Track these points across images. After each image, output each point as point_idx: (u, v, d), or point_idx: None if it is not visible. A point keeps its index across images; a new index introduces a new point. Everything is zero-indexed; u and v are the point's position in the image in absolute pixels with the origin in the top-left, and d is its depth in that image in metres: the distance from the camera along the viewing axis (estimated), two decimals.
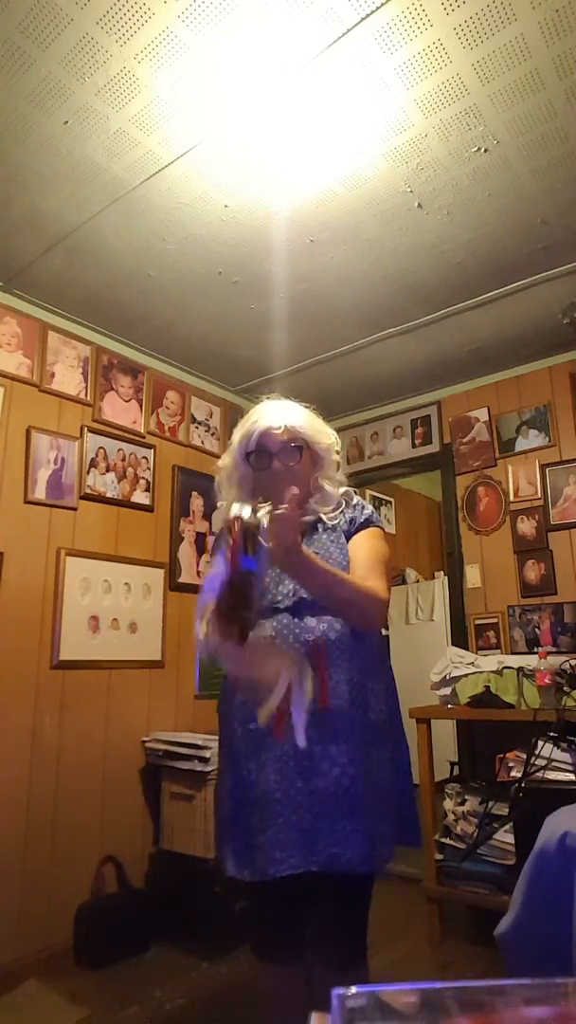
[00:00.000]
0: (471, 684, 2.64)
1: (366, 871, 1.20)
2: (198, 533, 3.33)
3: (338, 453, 1.51)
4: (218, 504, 1.57)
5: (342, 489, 1.49)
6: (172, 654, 3.09)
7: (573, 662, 2.48)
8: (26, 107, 1.84)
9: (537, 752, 2.21)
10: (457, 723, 3.53)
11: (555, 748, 2.20)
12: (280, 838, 1.21)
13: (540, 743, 2.23)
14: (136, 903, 2.61)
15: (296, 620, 1.32)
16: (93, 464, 2.91)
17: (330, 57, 1.69)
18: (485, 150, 2.02)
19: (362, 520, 1.44)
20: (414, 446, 3.80)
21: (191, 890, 2.57)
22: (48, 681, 2.59)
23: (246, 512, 1.12)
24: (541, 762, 2.18)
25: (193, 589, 3.27)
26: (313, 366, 3.40)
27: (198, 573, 3.30)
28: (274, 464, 1.40)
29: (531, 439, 3.31)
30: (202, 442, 3.51)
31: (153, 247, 2.45)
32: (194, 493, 3.35)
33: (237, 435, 1.46)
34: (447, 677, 2.78)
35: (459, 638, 3.40)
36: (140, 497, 3.09)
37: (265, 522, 1.11)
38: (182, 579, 3.21)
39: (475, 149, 2.02)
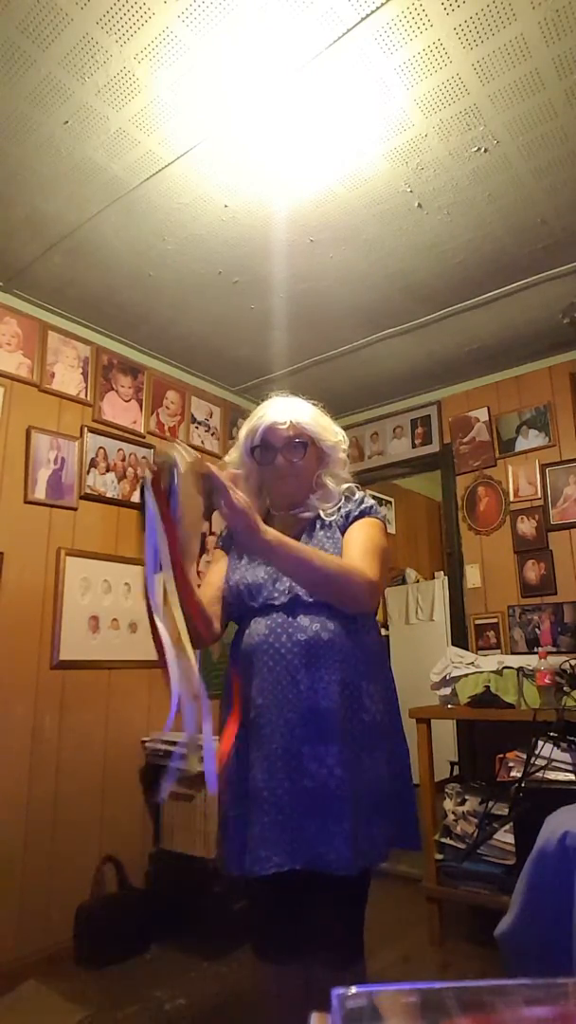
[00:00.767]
0: (471, 684, 2.64)
1: (349, 873, 1.19)
2: None
3: (345, 451, 1.50)
4: None
5: (344, 485, 1.47)
6: None
7: (573, 662, 2.48)
8: (26, 107, 1.84)
9: (537, 752, 2.21)
10: (457, 723, 3.53)
11: (555, 748, 2.20)
12: (266, 836, 1.21)
13: (540, 743, 2.23)
14: (136, 903, 2.61)
15: (290, 619, 1.31)
16: (93, 464, 2.91)
17: (330, 57, 1.69)
18: (485, 150, 2.02)
19: (357, 513, 1.42)
20: (414, 446, 3.80)
21: (191, 890, 2.57)
22: (48, 681, 2.59)
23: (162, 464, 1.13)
24: (541, 762, 2.18)
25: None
26: (313, 366, 3.40)
27: (198, 573, 3.30)
28: (278, 459, 1.40)
29: (531, 439, 3.31)
30: (202, 442, 3.51)
31: (153, 247, 2.45)
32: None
33: (243, 430, 1.46)
34: (447, 677, 2.78)
35: (459, 638, 3.40)
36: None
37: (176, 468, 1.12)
38: None
39: (475, 149, 2.02)
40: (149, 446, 3.18)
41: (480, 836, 2.42)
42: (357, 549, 1.34)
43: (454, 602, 3.51)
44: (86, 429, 2.91)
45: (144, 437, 3.18)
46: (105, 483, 2.94)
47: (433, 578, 5.62)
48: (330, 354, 3.29)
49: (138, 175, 2.09)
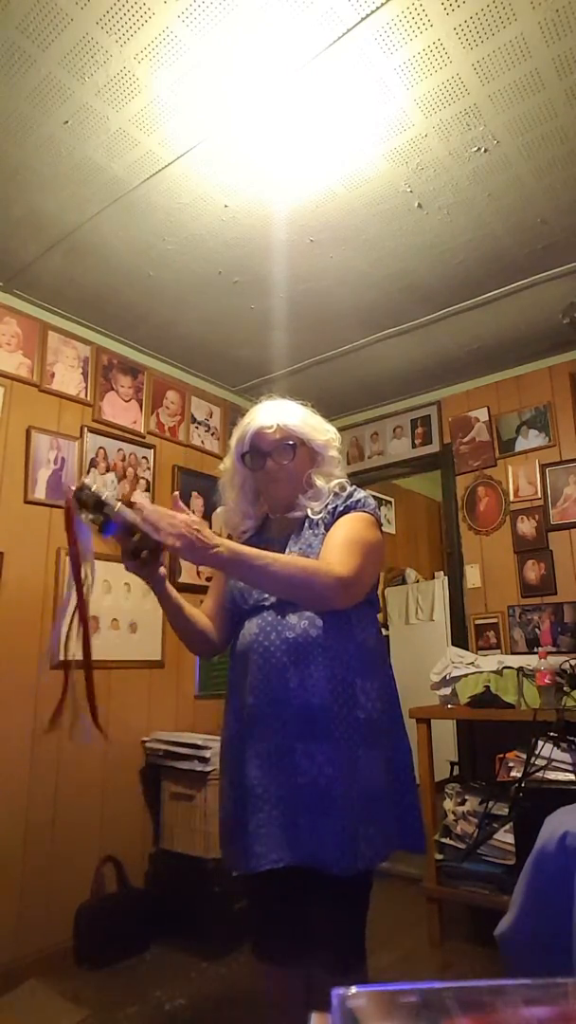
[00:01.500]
0: (471, 684, 2.64)
1: (344, 872, 1.18)
2: None
3: (338, 448, 1.49)
4: (219, 507, 1.57)
5: (334, 482, 1.44)
6: (172, 654, 3.09)
7: (573, 662, 2.48)
8: (26, 107, 1.84)
9: (537, 752, 2.21)
10: (457, 723, 3.53)
11: (555, 748, 2.20)
12: (261, 833, 1.21)
13: (540, 743, 2.23)
14: (136, 903, 2.61)
15: (279, 618, 1.32)
16: (93, 464, 2.91)
17: (330, 57, 1.69)
18: (485, 150, 2.02)
19: (343, 508, 1.38)
20: (414, 446, 3.80)
21: (191, 890, 2.57)
22: (48, 681, 2.59)
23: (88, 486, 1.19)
24: (541, 762, 2.18)
25: (193, 589, 3.26)
26: (313, 366, 3.40)
27: (198, 573, 3.30)
28: (267, 463, 1.40)
29: (531, 439, 3.31)
30: (202, 442, 3.51)
31: (153, 247, 2.45)
32: (194, 493, 3.35)
33: (233, 437, 1.47)
34: (447, 677, 2.78)
35: (459, 638, 3.40)
36: (140, 497, 3.09)
37: (104, 492, 1.18)
38: (182, 579, 3.21)
39: (475, 149, 2.02)
40: (149, 446, 3.18)
41: (480, 836, 2.42)
42: (333, 545, 1.31)
43: (454, 602, 3.51)
44: (86, 429, 2.91)
45: (144, 437, 3.18)
46: (105, 483, 2.94)
47: (433, 578, 5.62)
48: (330, 354, 3.29)
49: (138, 175, 2.09)
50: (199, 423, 3.53)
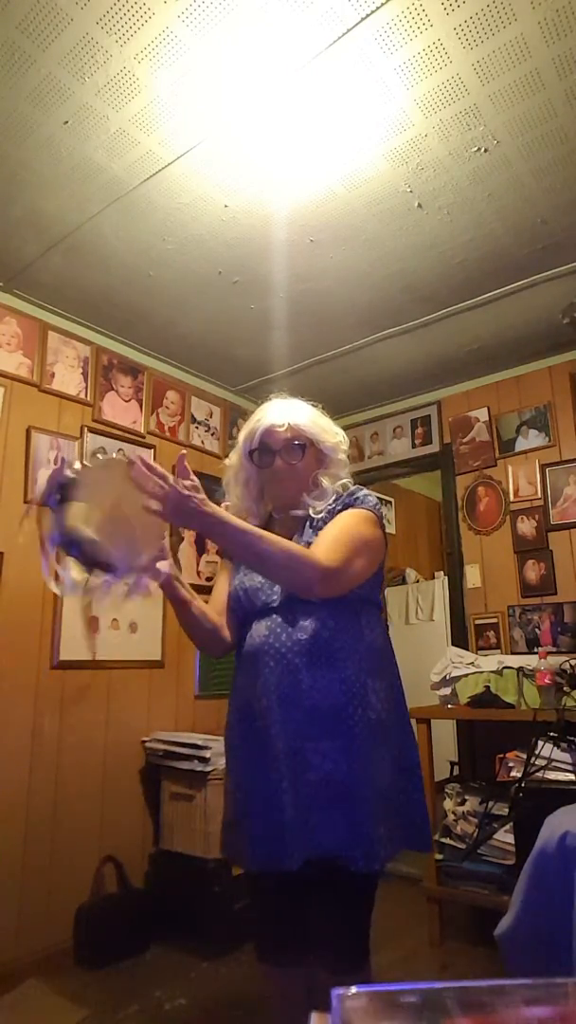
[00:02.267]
0: (471, 684, 2.64)
1: (359, 869, 1.19)
2: (198, 533, 3.33)
3: (346, 452, 1.48)
4: (223, 504, 1.56)
5: (339, 483, 1.45)
6: (172, 654, 3.09)
7: (573, 662, 2.48)
8: (26, 107, 1.84)
9: (537, 752, 2.21)
10: (457, 723, 3.52)
11: (555, 748, 2.20)
12: (277, 834, 1.21)
13: (540, 743, 2.23)
14: (136, 903, 2.61)
15: (289, 619, 1.31)
16: None
17: (330, 57, 1.69)
18: (485, 150, 2.02)
19: (341, 506, 1.39)
20: (414, 446, 3.80)
21: (191, 890, 2.57)
22: (48, 681, 2.59)
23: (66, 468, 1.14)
24: (541, 762, 2.18)
25: (193, 589, 3.26)
26: (313, 366, 3.40)
27: (198, 573, 3.30)
28: (276, 462, 1.40)
29: (531, 439, 3.31)
30: (202, 442, 3.51)
31: (153, 247, 2.45)
32: None
33: (242, 433, 1.46)
34: (447, 677, 2.78)
35: (459, 638, 3.40)
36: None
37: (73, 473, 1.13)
38: (182, 579, 3.20)
39: (475, 149, 2.02)
40: (149, 446, 3.18)
41: (480, 836, 2.42)
42: (325, 536, 1.31)
43: (454, 602, 3.51)
44: (86, 429, 2.91)
45: (144, 437, 3.18)
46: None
47: (433, 578, 5.62)
48: (330, 354, 3.29)
49: (138, 175, 2.09)
50: (199, 423, 3.53)
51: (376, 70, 1.73)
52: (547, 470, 3.22)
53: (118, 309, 2.86)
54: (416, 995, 0.40)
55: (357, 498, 1.40)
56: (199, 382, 3.56)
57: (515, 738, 2.44)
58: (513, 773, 2.36)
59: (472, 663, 2.79)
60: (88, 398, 2.95)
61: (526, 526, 3.24)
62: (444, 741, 3.74)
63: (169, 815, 2.75)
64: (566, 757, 2.17)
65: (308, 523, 1.41)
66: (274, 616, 1.33)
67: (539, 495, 3.23)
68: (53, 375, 2.83)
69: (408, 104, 1.84)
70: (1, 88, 1.78)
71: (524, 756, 2.27)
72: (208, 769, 2.57)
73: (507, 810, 2.36)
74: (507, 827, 2.35)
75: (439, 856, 2.55)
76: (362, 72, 1.74)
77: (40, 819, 2.47)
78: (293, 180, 2.13)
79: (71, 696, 2.65)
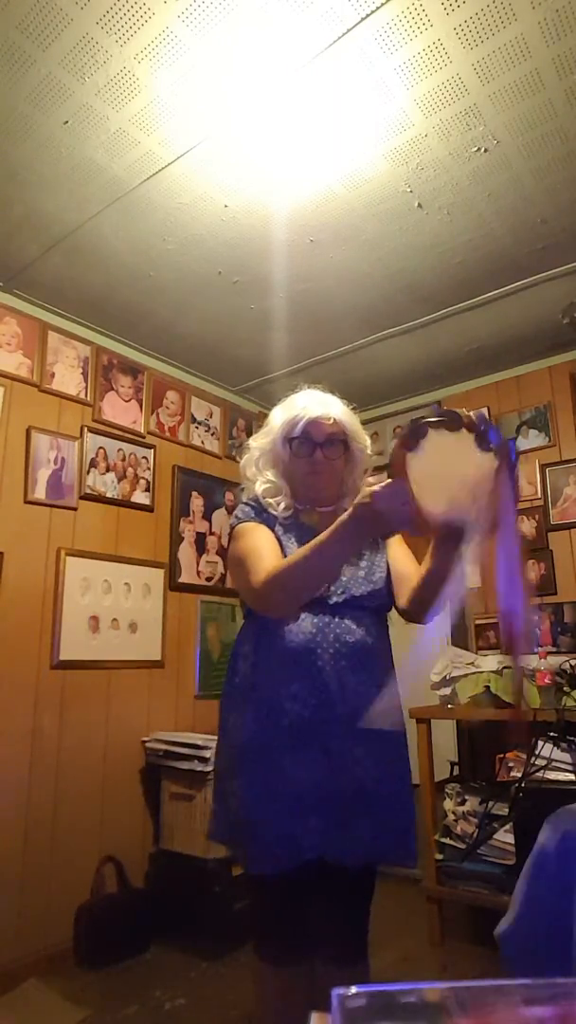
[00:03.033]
0: (471, 684, 2.64)
1: (412, 865, 1.27)
2: (198, 533, 3.33)
3: (370, 456, 1.48)
4: (241, 487, 1.51)
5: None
6: (172, 654, 3.09)
7: (573, 662, 2.48)
8: (26, 107, 1.84)
9: (537, 752, 2.21)
10: (457, 723, 3.52)
11: (555, 748, 2.20)
12: (313, 834, 1.22)
13: (540, 743, 2.22)
14: (136, 903, 2.61)
15: (336, 619, 1.30)
16: (93, 464, 2.91)
17: (330, 57, 1.69)
18: (485, 150, 2.02)
19: None
20: None
21: (191, 890, 2.57)
22: (48, 681, 2.59)
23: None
24: (541, 762, 2.18)
25: (193, 589, 3.27)
26: (313, 366, 3.40)
27: (198, 573, 3.30)
28: (316, 454, 1.37)
29: (531, 439, 3.31)
30: (202, 442, 3.51)
31: (153, 247, 2.45)
32: (194, 493, 3.35)
33: (280, 419, 1.42)
34: (447, 677, 2.77)
35: (459, 638, 3.40)
36: (140, 497, 3.09)
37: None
38: (182, 579, 3.21)
39: (475, 149, 2.02)
40: (149, 446, 3.17)
41: (480, 836, 2.42)
42: (406, 558, 1.43)
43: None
44: (86, 429, 2.91)
45: (144, 437, 3.18)
46: (105, 483, 2.94)
47: None
48: (330, 354, 3.29)
49: (138, 175, 2.09)
50: (199, 423, 3.52)
51: (376, 70, 1.73)
52: (547, 470, 3.22)
53: (118, 309, 2.86)
54: (416, 995, 0.40)
55: None
56: (199, 382, 3.56)
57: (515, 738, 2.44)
58: (513, 773, 2.36)
59: (472, 663, 2.79)
60: (88, 398, 2.95)
61: (526, 526, 3.24)
62: (444, 741, 3.74)
63: (169, 815, 2.75)
64: (566, 757, 2.17)
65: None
66: (323, 615, 1.30)
67: (539, 495, 3.23)
68: (53, 375, 2.83)
69: (408, 104, 1.84)
70: (1, 88, 1.78)
71: (524, 756, 2.27)
72: (208, 769, 2.57)
73: (507, 810, 2.36)
74: (507, 827, 2.35)
75: (439, 856, 2.55)
76: (362, 72, 1.74)
77: (40, 819, 2.47)
78: (293, 180, 2.13)
79: (71, 696, 2.65)
